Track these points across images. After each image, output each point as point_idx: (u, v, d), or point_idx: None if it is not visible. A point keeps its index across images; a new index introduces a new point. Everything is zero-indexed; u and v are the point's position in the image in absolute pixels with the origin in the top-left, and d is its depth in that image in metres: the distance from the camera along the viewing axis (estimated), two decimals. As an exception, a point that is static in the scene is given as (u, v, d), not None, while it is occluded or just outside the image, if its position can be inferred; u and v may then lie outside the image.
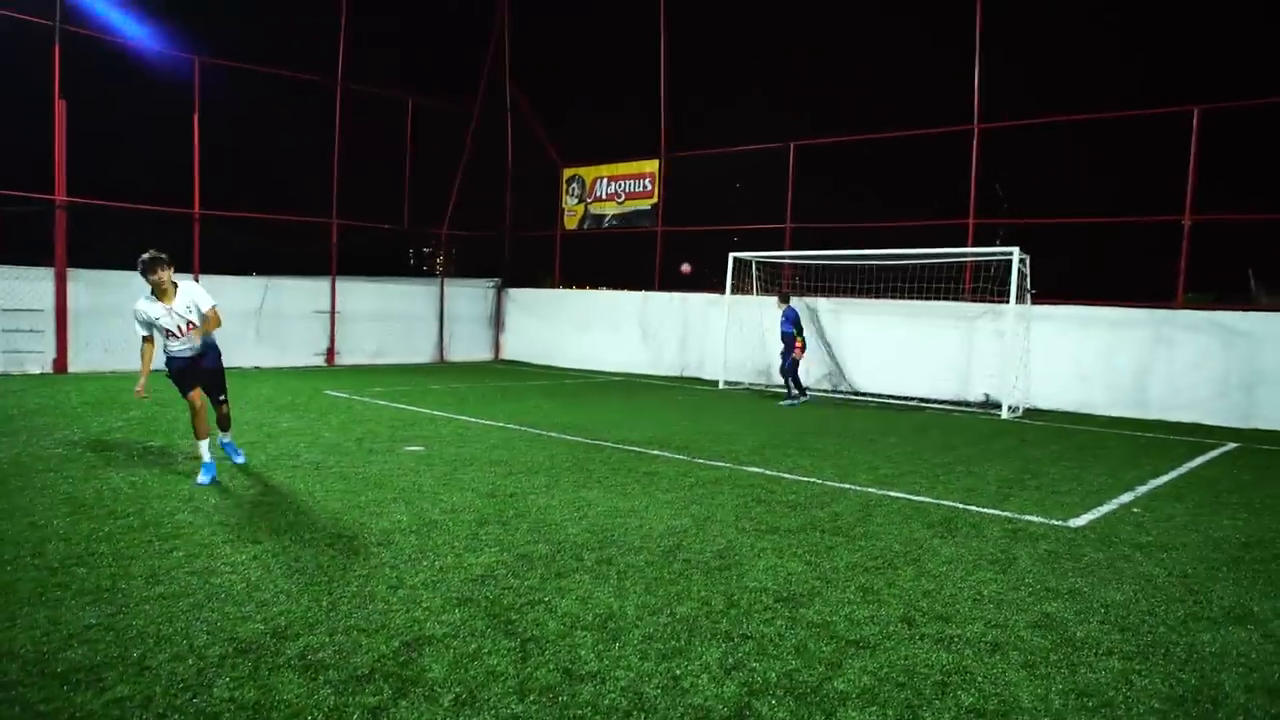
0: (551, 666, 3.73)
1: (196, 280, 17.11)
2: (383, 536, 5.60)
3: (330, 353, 19.37)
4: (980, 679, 3.76)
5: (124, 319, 17.14)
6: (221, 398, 7.67)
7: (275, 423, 10.34)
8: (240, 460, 7.84)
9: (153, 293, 6.97)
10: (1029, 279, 13.95)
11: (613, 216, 21.28)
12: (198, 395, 7.25)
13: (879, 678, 3.74)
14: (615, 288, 21.55)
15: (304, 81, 18.90)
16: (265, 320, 18.35)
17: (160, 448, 8.49)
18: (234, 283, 18.02)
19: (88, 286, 15.92)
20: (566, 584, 4.78)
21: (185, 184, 17.20)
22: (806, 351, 14.62)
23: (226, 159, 17.61)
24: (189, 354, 7.21)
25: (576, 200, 22.06)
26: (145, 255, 6.87)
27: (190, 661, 3.66)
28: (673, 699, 3.48)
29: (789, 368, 14.47)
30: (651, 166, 20.45)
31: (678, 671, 3.73)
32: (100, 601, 4.31)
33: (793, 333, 14.24)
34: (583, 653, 3.88)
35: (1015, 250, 13.42)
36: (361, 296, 20.02)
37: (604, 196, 21.47)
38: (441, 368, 20.06)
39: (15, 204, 14.59)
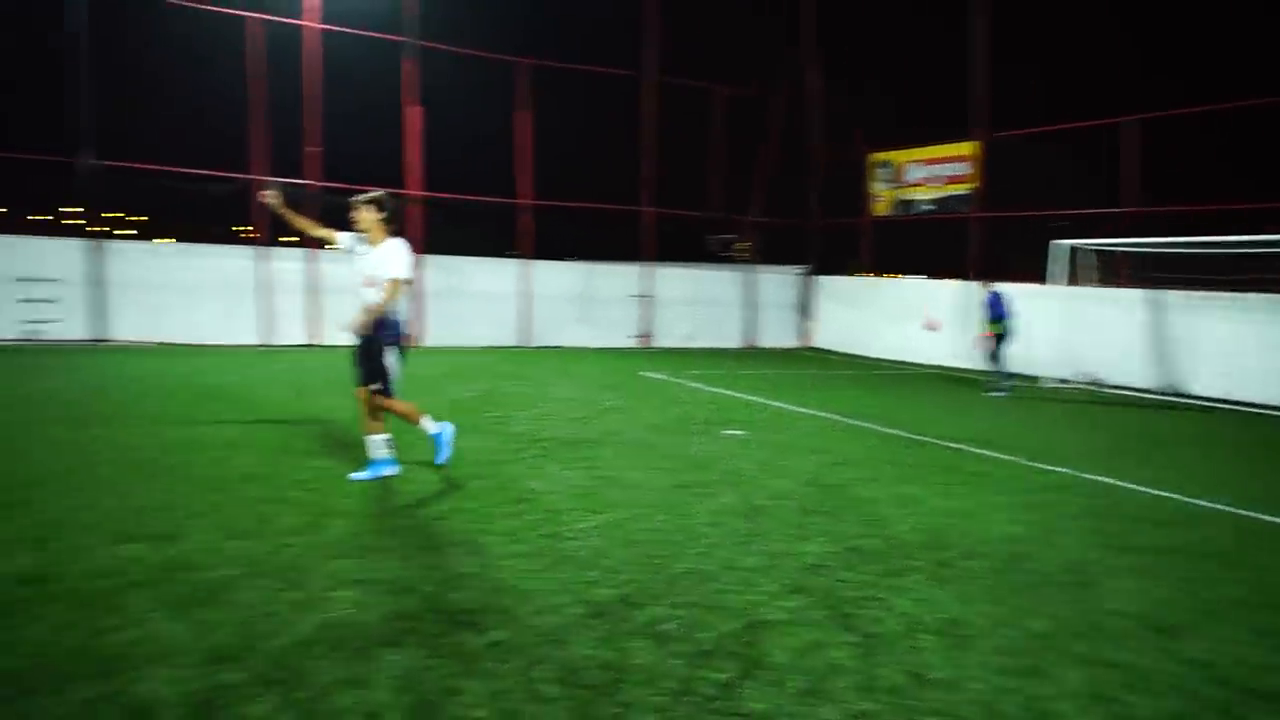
0: (896, 667, 3.61)
1: (534, 263, 18.69)
2: (712, 518, 5.74)
3: (646, 335, 20.34)
4: None
5: (466, 299, 19.09)
6: (375, 387, 6.30)
7: (600, 400, 11.01)
8: (360, 477, 6.31)
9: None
10: None
11: (926, 202, 20.31)
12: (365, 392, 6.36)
13: (1288, 733, 3.22)
14: (928, 276, 20.56)
15: (616, 76, 19.92)
16: (586, 303, 19.65)
17: (499, 416, 9.34)
18: (561, 267, 19.51)
19: (437, 270, 17.94)
20: (903, 583, 4.61)
21: (509, 176, 18.94)
22: (1004, 339, 13.68)
23: (547, 153, 19.17)
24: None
25: (886, 185, 21.31)
26: None
27: (551, 617, 3.96)
28: (1034, 721, 3.23)
29: (992, 356, 13.86)
30: (968, 149, 19.21)
31: (1035, 692, 3.45)
32: (471, 553, 4.81)
33: (993, 317, 13.61)
34: (928, 657, 3.72)
35: None
36: (673, 282, 20.80)
37: (916, 181, 20.55)
38: (751, 353, 20.35)
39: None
